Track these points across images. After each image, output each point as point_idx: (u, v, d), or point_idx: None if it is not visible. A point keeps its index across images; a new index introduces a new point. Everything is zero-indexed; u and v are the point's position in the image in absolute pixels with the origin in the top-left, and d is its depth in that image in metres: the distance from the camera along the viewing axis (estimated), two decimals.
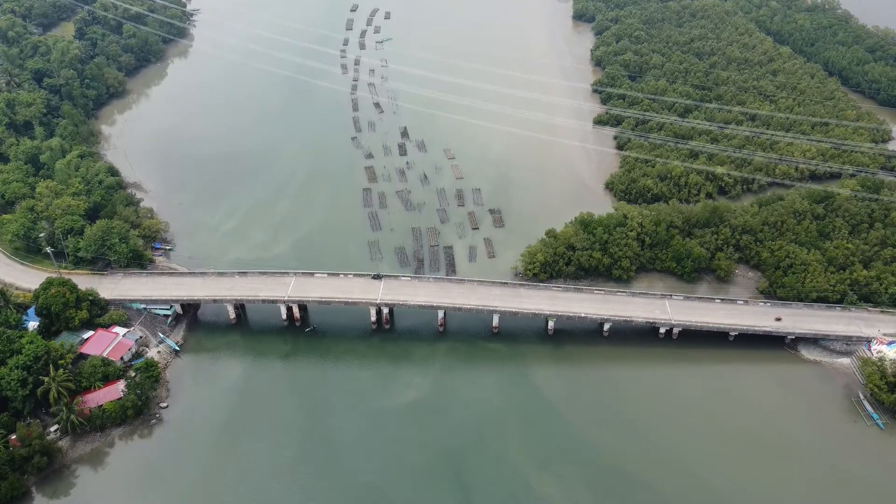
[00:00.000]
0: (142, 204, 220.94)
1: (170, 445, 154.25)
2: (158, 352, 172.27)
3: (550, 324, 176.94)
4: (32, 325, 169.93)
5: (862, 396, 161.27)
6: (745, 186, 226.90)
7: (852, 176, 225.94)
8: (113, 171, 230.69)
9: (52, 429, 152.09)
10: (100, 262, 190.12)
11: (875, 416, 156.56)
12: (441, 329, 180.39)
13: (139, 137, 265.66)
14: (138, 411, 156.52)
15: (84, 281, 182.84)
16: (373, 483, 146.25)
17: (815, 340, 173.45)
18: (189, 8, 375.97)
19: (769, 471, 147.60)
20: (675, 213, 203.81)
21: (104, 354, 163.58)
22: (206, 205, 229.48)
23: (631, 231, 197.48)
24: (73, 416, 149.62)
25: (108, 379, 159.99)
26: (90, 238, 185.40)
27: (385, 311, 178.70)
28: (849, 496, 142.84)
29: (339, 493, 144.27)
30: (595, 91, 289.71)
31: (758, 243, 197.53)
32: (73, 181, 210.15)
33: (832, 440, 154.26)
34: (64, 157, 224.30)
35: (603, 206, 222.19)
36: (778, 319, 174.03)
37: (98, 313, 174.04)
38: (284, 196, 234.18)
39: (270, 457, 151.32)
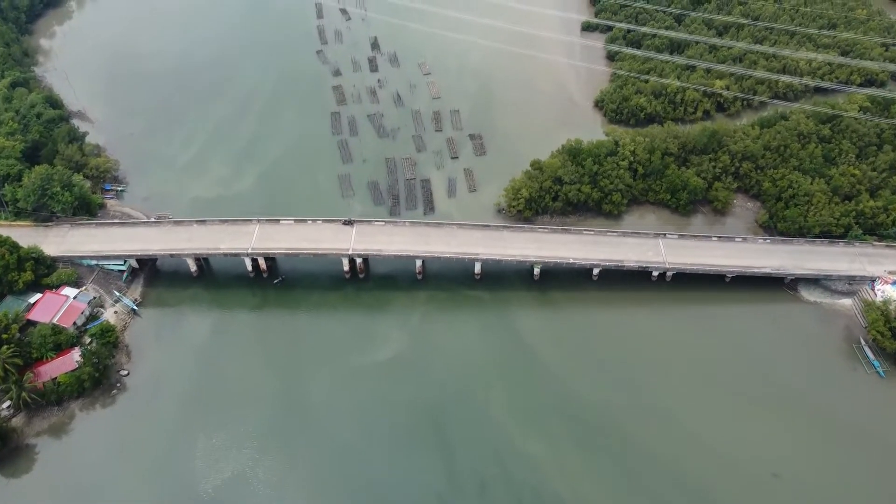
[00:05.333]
0: (88, 138, 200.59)
1: (134, 415, 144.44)
2: (115, 312, 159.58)
3: (536, 269, 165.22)
4: None
5: (863, 341, 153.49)
6: (745, 102, 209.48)
7: (861, 86, 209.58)
8: (53, 101, 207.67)
9: (4, 405, 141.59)
10: (44, 211, 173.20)
11: (876, 363, 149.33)
12: (420, 276, 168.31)
13: (81, 54, 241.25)
14: (97, 382, 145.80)
15: (27, 234, 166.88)
16: (351, 445, 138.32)
17: (815, 280, 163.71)
18: None
19: (761, 421, 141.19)
20: (671, 137, 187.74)
21: (54, 321, 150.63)
22: (159, 134, 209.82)
23: (623, 160, 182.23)
24: (24, 394, 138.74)
25: (60, 348, 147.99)
26: (28, 188, 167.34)
27: (359, 260, 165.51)
28: (844, 448, 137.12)
29: (317, 457, 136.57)
30: None
31: (758, 171, 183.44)
32: (5, 117, 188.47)
33: (829, 388, 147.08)
34: None
35: (592, 127, 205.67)
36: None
37: (44, 273, 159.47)
38: (245, 122, 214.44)
39: (243, 422, 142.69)
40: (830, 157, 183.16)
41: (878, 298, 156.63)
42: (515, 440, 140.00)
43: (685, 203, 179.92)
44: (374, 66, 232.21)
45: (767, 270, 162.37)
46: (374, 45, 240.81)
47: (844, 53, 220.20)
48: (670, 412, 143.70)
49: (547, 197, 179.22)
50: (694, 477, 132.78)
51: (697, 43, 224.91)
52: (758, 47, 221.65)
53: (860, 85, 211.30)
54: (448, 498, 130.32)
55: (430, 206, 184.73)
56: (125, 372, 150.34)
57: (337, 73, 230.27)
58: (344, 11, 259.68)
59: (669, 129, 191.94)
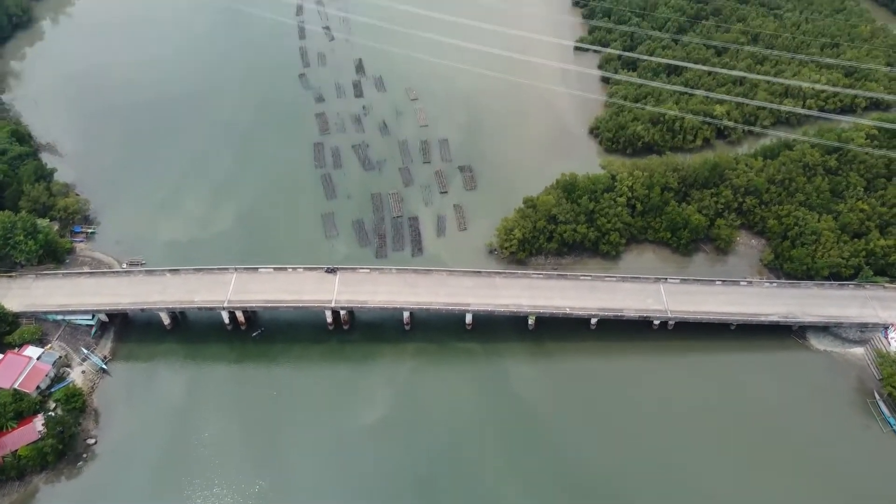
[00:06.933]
0: (57, 174, 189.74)
1: (102, 489, 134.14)
2: (83, 371, 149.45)
3: (531, 319, 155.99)
4: None
5: (877, 396, 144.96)
6: (746, 129, 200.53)
7: (866, 109, 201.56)
8: (20, 135, 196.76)
9: None
10: (7, 261, 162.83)
11: (891, 420, 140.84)
12: (407, 327, 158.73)
13: (50, 78, 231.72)
14: (61, 454, 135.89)
15: None
16: None
17: (825, 327, 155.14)
18: None
19: (768, 481, 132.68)
20: (670, 170, 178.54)
21: (16, 386, 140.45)
22: (132, 168, 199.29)
23: (620, 197, 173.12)
24: None
25: (22, 416, 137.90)
26: None
27: (343, 312, 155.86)
28: None
29: None
30: (577, 4, 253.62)
31: (763, 206, 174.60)
32: None
33: (841, 447, 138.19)
34: None
35: (588, 157, 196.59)
36: None
37: (6, 330, 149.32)
38: (223, 154, 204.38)
39: (220, 494, 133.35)
40: (838, 191, 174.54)
41: (892, 348, 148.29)
42: None
43: (686, 242, 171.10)
44: (358, 91, 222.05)
45: (774, 318, 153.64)
46: (359, 69, 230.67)
47: (849, 74, 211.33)
48: (672, 470, 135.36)
49: (541, 237, 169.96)
50: None
51: (697, 62, 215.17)
52: (758, 71, 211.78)
53: (866, 108, 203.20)
54: None
55: (418, 247, 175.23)
56: (93, 440, 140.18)
57: (320, 98, 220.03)
58: (328, 30, 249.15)
59: (668, 161, 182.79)
